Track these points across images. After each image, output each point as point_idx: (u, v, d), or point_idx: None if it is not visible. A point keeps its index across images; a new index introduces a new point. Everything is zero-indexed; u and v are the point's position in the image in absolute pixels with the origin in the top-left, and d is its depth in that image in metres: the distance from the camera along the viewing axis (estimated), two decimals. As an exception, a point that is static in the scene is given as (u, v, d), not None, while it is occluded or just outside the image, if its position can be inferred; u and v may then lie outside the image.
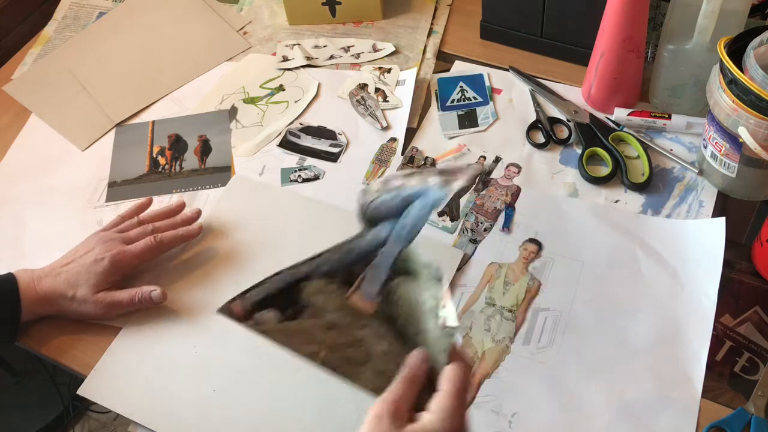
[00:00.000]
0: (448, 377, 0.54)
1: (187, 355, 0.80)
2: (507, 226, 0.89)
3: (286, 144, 1.00)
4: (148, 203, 0.90)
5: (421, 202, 0.57)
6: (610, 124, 0.97)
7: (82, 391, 0.77)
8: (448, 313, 0.55)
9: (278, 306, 0.57)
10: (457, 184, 0.55)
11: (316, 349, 0.56)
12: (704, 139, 0.88)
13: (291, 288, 0.58)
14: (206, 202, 0.94)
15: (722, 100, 0.80)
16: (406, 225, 0.58)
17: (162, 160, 1.00)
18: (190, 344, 0.80)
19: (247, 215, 0.92)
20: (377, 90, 1.04)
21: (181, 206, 0.88)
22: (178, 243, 0.85)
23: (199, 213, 0.88)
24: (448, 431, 0.52)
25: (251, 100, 1.06)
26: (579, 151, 0.95)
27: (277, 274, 0.58)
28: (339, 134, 1.00)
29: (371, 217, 0.60)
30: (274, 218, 0.91)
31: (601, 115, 0.98)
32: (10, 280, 0.80)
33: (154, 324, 0.82)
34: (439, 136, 0.99)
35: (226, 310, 0.56)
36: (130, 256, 0.80)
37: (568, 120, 0.98)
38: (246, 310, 0.57)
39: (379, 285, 0.58)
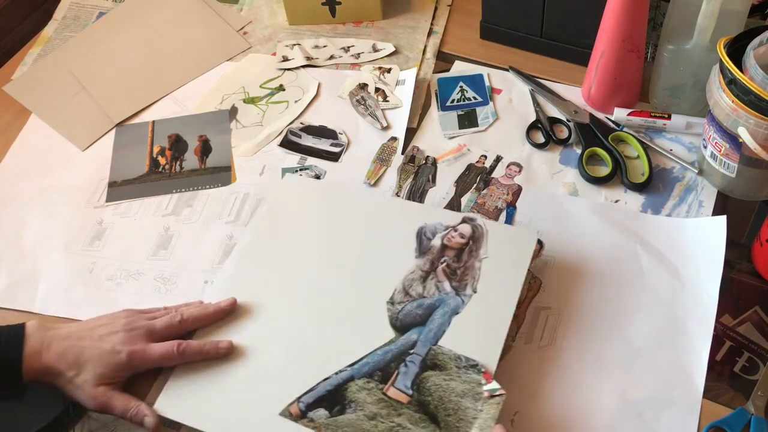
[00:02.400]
0: None
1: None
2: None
3: (287, 143, 1.00)
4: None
5: (442, 310, 0.77)
6: (610, 124, 0.97)
7: None
8: (492, 387, 0.70)
9: (327, 405, 0.71)
10: None
11: None
12: (704, 139, 0.88)
13: (338, 389, 0.72)
14: (206, 203, 0.94)
15: (722, 100, 0.80)
16: (432, 330, 0.75)
17: (162, 160, 1.00)
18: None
19: (304, 215, 0.88)
20: (377, 90, 1.04)
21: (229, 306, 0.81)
22: (200, 358, 0.77)
23: (233, 303, 0.80)
24: None
25: (251, 100, 1.06)
26: (579, 151, 0.95)
27: (326, 379, 0.73)
28: (340, 134, 1.00)
29: (401, 326, 0.76)
30: (334, 215, 0.88)
31: (601, 115, 0.98)
32: (15, 345, 0.72)
33: None
34: (439, 136, 0.99)
35: (286, 412, 0.71)
36: (148, 360, 0.75)
37: (568, 120, 0.98)
38: (302, 411, 0.71)
39: (411, 379, 0.72)
